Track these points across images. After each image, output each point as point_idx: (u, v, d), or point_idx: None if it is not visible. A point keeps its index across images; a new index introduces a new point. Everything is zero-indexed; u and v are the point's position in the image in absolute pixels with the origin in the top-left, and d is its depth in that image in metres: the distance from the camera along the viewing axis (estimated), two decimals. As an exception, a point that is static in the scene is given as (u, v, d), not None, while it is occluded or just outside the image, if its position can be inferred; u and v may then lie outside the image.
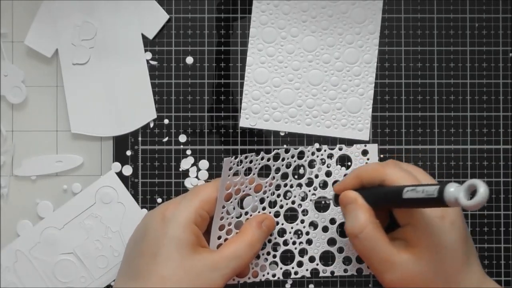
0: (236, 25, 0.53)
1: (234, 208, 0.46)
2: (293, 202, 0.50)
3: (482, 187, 0.34)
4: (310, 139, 0.52)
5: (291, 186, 0.50)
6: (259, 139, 0.53)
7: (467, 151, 0.52)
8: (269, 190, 0.49)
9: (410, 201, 0.39)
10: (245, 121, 0.52)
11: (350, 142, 0.52)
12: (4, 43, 0.53)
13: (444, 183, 0.37)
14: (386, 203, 0.43)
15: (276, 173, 0.48)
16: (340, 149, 0.51)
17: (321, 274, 0.50)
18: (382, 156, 0.52)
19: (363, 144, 0.51)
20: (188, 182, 0.52)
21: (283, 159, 0.48)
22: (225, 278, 0.43)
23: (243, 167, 0.45)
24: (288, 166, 0.49)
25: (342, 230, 0.51)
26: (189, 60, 0.53)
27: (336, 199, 0.47)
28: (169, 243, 0.43)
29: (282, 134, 0.52)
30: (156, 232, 0.44)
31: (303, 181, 0.50)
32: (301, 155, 0.50)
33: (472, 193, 0.35)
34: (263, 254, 0.49)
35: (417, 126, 0.52)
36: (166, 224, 0.44)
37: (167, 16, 0.52)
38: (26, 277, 0.52)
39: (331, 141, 0.52)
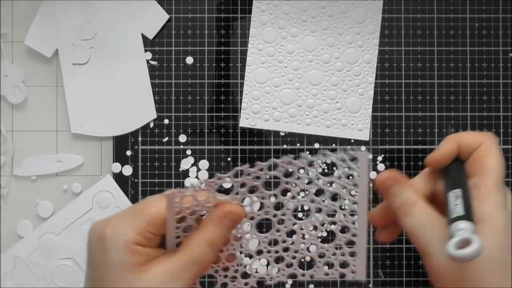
0: (236, 25, 0.53)
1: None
2: (266, 213, 0.41)
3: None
4: (310, 139, 0.52)
5: (263, 198, 0.41)
6: (259, 139, 0.52)
7: (467, 151, 0.52)
8: None
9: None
10: (245, 121, 0.52)
11: (350, 142, 0.52)
12: (4, 43, 0.53)
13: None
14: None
15: (242, 188, 0.40)
16: (324, 155, 0.39)
17: (299, 278, 0.42)
18: (382, 156, 0.52)
19: (352, 149, 0.45)
20: (188, 182, 0.52)
21: (248, 174, 0.39)
22: (189, 284, 0.39)
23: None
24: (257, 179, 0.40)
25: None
26: (189, 60, 0.53)
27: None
28: (113, 269, 0.39)
29: (282, 134, 0.52)
30: (97, 257, 0.40)
31: (278, 191, 0.40)
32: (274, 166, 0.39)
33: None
34: (233, 266, 0.42)
35: (417, 126, 0.52)
36: (105, 247, 0.39)
37: (167, 16, 0.52)
38: (24, 283, 0.52)
39: (331, 141, 0.52)
